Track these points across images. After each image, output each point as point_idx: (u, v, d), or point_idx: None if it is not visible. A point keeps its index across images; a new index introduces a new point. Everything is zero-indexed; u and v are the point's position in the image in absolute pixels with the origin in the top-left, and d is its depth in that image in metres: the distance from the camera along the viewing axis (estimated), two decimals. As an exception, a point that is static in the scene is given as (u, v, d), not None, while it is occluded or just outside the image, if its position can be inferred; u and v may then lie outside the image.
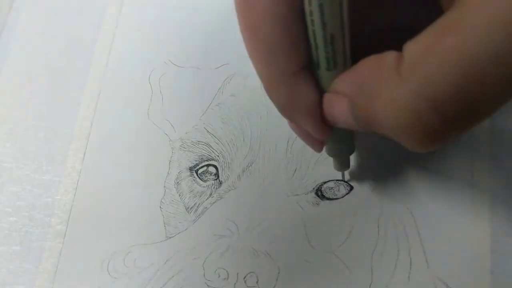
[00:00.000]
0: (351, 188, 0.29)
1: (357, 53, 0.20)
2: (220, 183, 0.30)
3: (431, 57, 0.16)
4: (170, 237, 0.29)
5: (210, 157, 0.30)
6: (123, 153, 0.31)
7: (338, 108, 0.21)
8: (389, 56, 0.18)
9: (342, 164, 0.28)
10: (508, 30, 0.14)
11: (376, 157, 0.30)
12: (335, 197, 0.29)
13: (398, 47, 0.18)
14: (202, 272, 0.28)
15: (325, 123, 0.22)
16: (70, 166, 0.31)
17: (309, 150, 0.29)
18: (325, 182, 0.29)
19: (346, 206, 0.29)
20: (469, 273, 0.27)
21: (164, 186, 0.30)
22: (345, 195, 0.29)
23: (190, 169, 0.30)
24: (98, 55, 0.33)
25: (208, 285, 0.28)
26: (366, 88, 0.18)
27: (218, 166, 0.30)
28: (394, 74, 0.17)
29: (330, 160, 0.29)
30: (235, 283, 0.28)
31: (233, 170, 0.30)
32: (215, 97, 0.32)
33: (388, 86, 0.17)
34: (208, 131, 0.31)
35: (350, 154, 0.27)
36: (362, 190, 0.29)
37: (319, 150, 0.26)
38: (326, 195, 0.29)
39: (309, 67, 0.21)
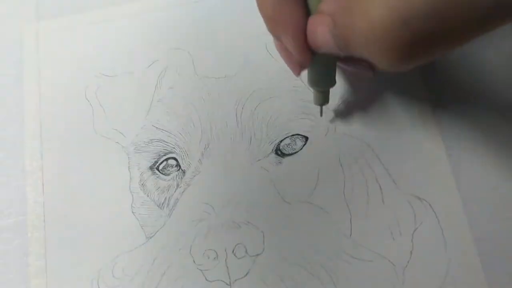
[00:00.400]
0: (307, 138, 0.30)
1: None
2: (184, 172, 0.30)
3: None
4: (150, 237, 0.29)
5: (166, 151, 0.31)
6: (80, 174, 0.31)
7: (320, 28, 0.21)
8: None
9: (322, 97, 0.28)
10: None
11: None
12: (294, 151, 0.30)
13: None
14: (191, 260, 0.28)
15: (308, 46, 0.23)
16: (32, 201, 0.31)
17: (258, 116, 0.30)
18: (281, 141, 0.30)
19: (307, 156, 0.30)
20: (434, 180, 0.29)
21: (130, 192, 0.30)
22: (302, 147, 0.30)
23: (151, 168, 0.31)
24: (29, 90, 0.33)
25: (201, 270, 0.28)
26: (349, 6, 0.19)
27: (176, 157, 0.31)
28: None
29: (281, 118, 0.30)
30: (225, 259, 0.28)
31: (192, 156, 0.30)
32: (154, 95, 0.32)
33: (369, 2, 0.18)
34: (157, 128, 0.31)
35: (331, 86, 0.28)
36: (318, 138, 0.30)
37: (297, 73, 0.26)
38: (286, 152, 0.30)
39: None
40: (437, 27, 0.17)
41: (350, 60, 0.26)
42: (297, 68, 0.25)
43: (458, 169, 0.29)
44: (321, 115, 0.30)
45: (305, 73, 0.27)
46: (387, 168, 0.29)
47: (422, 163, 0.29)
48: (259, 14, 0.23)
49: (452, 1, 0.16)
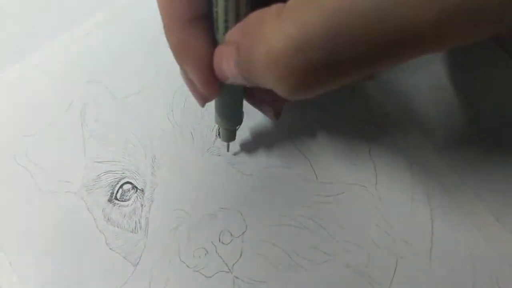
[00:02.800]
0: (242, 112, 0.31)
1: None
2: (142, 190, 0.30)
3: (310, 3, 0.16)
4: (137, 263, 0.29)
5: (117, 179, 0.31)
6: (44, 238, 0.30)
7: (226, 56, 0.21)
8: (274, 6, 0.18)
9: (229, 135, 0.29)
10: None
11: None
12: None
13: None
14: (185, 266, 0.28)
15: (213, 78, 0.22)
16: (6, 285, 0.29)
17: (188, 112, 0.31)
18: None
19: (248, 130, 0.31)
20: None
21: (100, 231, 0.30)
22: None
23: (109, 200, 0.30)
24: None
25: (198, 271, 0.28)
26: (249, 33, 0.19)
27: (130, 180, 0.30)
28: (274, 18, 0.18)
29: (211, 105, 0.30)
30: (216, 250, 0.28)
31: (144, 173, 0.30)
32: (83, 133, 0.32)
33: (267, 29, 0.18)
34: (99, 162, 0.31)
35: (237, 125, 0.28)
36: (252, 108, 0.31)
37: (201, 104, 0.25)
38: (228, 133, 0.31)
39: (207, 18, 0.22)
40: (334, 55, 0.16)
41: (255, 100, 0.28)
42: (202, 101, 0.25)
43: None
44: (227, 150, 0.30)
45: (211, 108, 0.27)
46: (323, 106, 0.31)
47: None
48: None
49: (350, 29, 0.16)
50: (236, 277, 0.28)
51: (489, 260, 0.27)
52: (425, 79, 0.31)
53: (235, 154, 0.31)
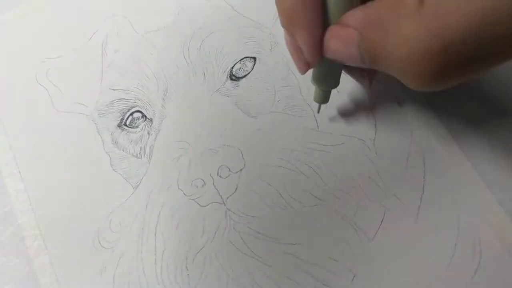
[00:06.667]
0: (255, 58, 0.32)
1: None
2: (151, 120, 0.32)
3: (453, 2, 0.16)
4: (137, 186, 0.30)
5: (128, 106, 0.32)
6: (54, 151, 0.32)
7: (344, 38, 0.21)
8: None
9: (323, 96, 0.28)
10: None
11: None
12: (246, 73, 0.32)
13: None
14: (181, 193, 0.30)
15: (320, 48, 0.23)
16: (13, 190, 0.31)
17: (204, 52, 0.32)
18: (232, 67, 0.32)
19: (259, 73, 0.32)
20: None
21: (106, 152, 0.31)
22: (253, 67, 0.32)
23: (119, 125, 0.32)
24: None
25: (193, 199, 0.29)
26: (382, 24, 0.19)
27: (140, 109, 0.32)
28: (414, 14, 0.18)
29: (227, 48, 0.32)
30: (213, 182, 0.30)
31: (154, 104, 0.32)
32: (103, 62, 0.33)
33: (407, 24, 0.18)
34: (114, 89, 0.33)
35: (334, 87, 0.28)
36: (265, 55, 0.32)
37: (303, 71, 0.25)
38: (239, 75, 0.32)
39: None
40: (476, 54, 0.17)
41: (353, 70, 0.28)
42: (305, 68, 0.25)
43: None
44: (318, 111, 0.31)
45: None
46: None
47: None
48: None
49: (494, 29, 0.16)
50: (229, 209, 0.29)
51: (474, 223, 0.28)
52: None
53: (330, 119, 0.31)
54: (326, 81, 0.27)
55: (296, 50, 0.24)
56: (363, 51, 0.20)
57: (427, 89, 0.19)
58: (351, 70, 0.29)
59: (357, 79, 0.29)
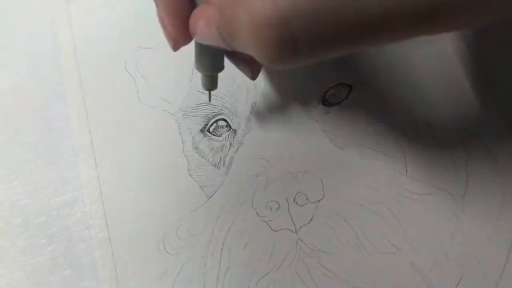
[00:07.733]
0: (351, 87, 0.31)
1: None
2: (235, 131, 0.31)
3: None
4: (211, 196, 0.30)
5: (214, 113, 0.31)
6: (132, 143, 0.31)
7: (206, 17, 0.20)
8: None
9: (209, 82, 0.27)
10: None
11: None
12: (339, 100, 0.31)
13: None
14: (254, 213, 0.29)
15: (185, 25, 0.22)
16: (86, 176, 0.31)
17: (298, 74, 0.31)
18: (326, 92, 0.31)
19: (353, 103, 0.31)
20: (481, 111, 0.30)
21: (185, 156, 0.31)
22: (348, 95, 0.31)
23: (201, 130, 0.31)
24: (68, 70, 0.33)
25: (265, 221, 0.29)
26: None
27: (226, 118, 0.31)
28: None
29: (322, 70, 0.30)
30: (288, 208, 0.29)
31: (241, 115, 0.31)
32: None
33: None
34: (202, 92, 0.32)
35: (218, 71, 0.26)
36: (361, 85, 0.31)
37: (173, 47, 0.24)
38: (332, 101, 0.31)
39: None
40: (317, 31, 0.16)
41: (234, 57, 0.26)
42: (171, 43, 0.23)
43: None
44: (209, 100, 0.29)
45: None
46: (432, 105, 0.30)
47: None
48: None
49: (338, 6, 0.16)
50: (300, 239, 0.28)
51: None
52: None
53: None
54: (208, 65, 0.25)
55: (161, 23, 0.23)
56: (220, 29, 0.19)
57: (277, 64, 0.18)
58: (233, 59, 0.27)
59: (239, 67, 0.28)
